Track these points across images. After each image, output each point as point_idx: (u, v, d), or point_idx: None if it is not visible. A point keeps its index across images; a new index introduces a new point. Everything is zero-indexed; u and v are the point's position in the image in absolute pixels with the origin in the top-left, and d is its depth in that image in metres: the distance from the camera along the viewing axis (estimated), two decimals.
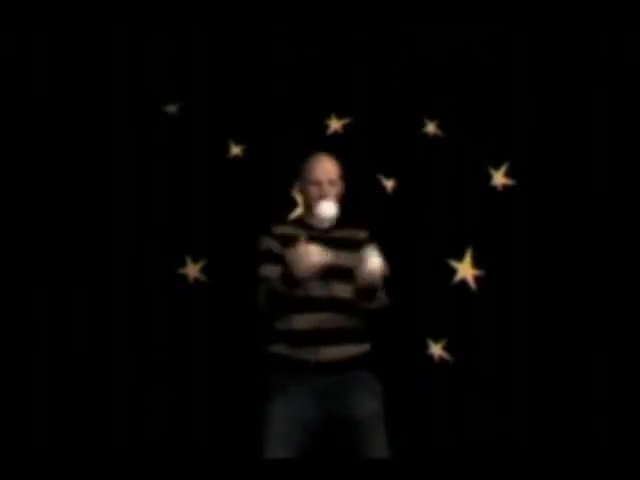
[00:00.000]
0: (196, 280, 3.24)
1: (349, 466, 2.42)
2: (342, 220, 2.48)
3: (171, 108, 3.20)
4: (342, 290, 2.40)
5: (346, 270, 2.38)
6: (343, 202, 2.49)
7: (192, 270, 3.24)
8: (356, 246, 2.44)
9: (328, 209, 2.39)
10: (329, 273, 2.35)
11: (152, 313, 3.22)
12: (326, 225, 2.45)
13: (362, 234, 2.52)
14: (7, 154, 3.20)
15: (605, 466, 3.01)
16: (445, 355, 3.17)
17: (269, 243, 2.45)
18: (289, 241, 2.37)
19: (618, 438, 3.10)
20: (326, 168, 2.47)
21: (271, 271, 2.37)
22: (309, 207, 2.48)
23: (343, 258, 2.41)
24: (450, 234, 3.22)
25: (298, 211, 3.10)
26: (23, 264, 3.17)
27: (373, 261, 2.26)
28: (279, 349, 2.42)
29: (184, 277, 3.25)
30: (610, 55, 3.20)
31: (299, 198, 2.94)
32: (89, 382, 3.18)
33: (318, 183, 2.45)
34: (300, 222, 2.53)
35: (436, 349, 3.17)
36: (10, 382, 3.14)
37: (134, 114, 3.22)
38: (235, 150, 3.25)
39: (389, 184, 3.26)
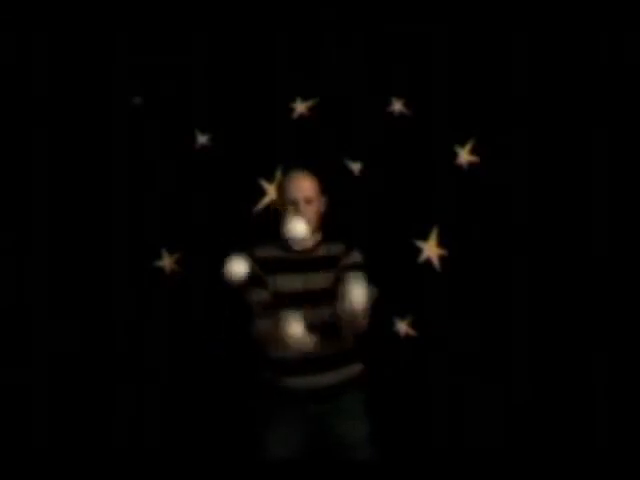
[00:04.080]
0: (173, 272, 3.30)
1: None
2: (324, 237, 2.52)
3: (137, 100, 3.27)
4: (323, 314, 2.40)
5: (325, 293, 2.40)
6: (324, 218, 2.51)
7: (168, 262, 3.31)
8: (333, 264, 2.45)
9: (297, 229, 2.34)
10: (309, 299, 2.39)
11: (130, 306, 3.27)
12: (301, 246, 2.44)
13: (339, 249, 2.49)
14: None
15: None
16: (411, 331, 3.26)
17: (252, 267, 2.44)
18: (270, 264, 2.45)
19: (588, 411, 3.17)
20: (301, 186, 2.44)
21: (259, 295, 2.43)
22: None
23: (322, 280, 2.43)
24: (415, 213, 3.26)
25: None
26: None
27: (355, 294, 2.14)
28: (269, 377, 2.48)
29: (160, 270, 3.31)
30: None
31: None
32: (67, 379, 3.25)
33: (294, 202, 2.43)
34: (280, 243, 2.49)
35: (402, 326, 3.27)
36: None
37: (103, 107, 3.29)
38: (202, 140, 3.30)
39: (355, 167, 3.29)
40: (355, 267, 2.44)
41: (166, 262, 3.30)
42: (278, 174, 3.24)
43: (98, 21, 3.30)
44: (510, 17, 3.21)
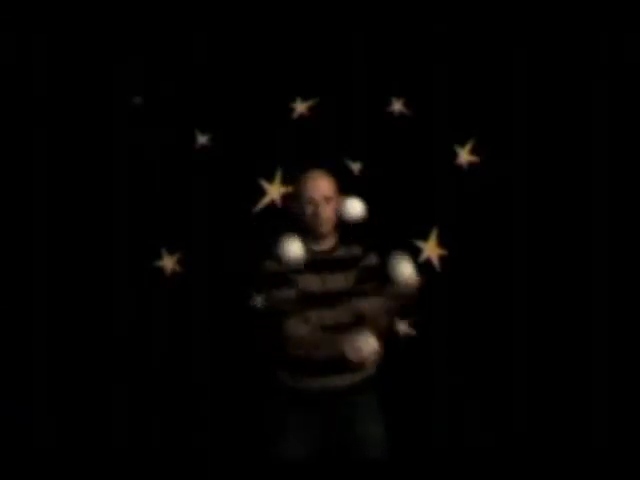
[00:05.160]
0: (173, 272, 3.29)
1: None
2: (341, 237, 2.55)
3: (137, 100, 3.27)
4: (339, 316, 2.43)
5: (343, 294, 2.44)
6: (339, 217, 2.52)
7: (168, 262, 3.30)
8: (352, 265, 2.49)
9: (292, 251, 2.40)
10: (327, 300, 2.42)
11: (130, 306, 3.25)
12: (298, 262, 2.43)
13: (357, 250, 2.53)
14: None
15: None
16: (411, 331, 3.26)
17: (273, 266, 2.47)
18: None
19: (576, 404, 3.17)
20: (320, 186, 2.46)
21: (288, 294, 2.43)
22: (305, 226, 2.48)
23: (340, 281, 2.46)
24: (415, 213, 3.26)
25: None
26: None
27: (405, 270, 2.32)
28: (286, 378, 2.49)
29: (160, 270, 3.30)
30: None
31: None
32: (68, 379, 3.25)
33: (313, 202, 2.45)
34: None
35: (402, 325, 3.26)
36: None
37: (103, 107, 3.28)
38: (202, 140, 3.30)
39: (355, 167, 3.29)
40: (372, 270, 2.49)
41: (166, 262, 3.30)
42: (278, 174, 3.24)
43: (98, 21, 3.30)
44: (510, 17, 3.21)
